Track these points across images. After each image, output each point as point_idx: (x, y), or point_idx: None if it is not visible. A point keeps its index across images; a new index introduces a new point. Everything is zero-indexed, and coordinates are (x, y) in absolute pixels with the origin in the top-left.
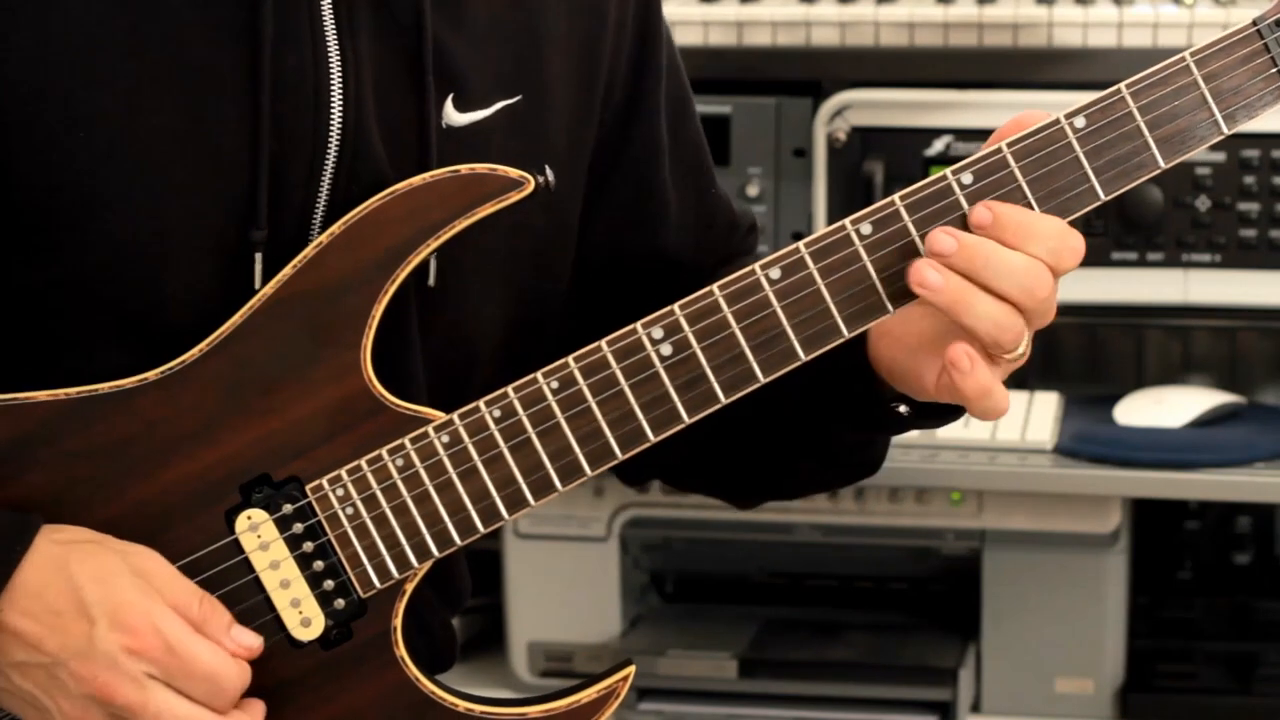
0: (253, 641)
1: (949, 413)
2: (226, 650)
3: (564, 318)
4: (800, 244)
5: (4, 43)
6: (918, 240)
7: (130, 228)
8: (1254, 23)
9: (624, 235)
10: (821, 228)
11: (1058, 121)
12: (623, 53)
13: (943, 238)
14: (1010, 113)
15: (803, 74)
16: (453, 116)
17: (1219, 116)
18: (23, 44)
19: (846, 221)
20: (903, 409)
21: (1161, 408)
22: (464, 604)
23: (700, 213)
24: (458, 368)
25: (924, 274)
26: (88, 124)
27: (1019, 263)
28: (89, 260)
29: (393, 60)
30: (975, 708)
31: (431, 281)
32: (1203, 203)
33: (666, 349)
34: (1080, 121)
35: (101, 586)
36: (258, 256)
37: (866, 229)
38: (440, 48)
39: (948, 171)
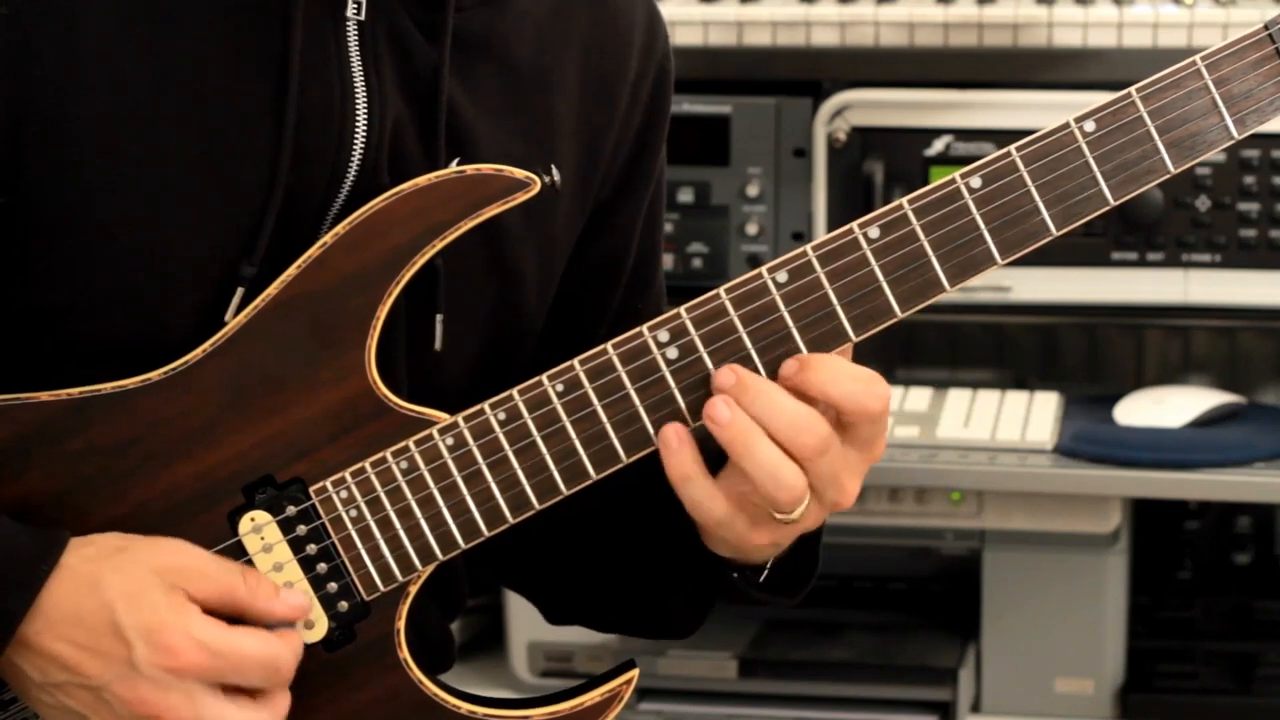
0: (301, 600)
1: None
2: (279, 615)
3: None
4: (808, 247)
5: (28, 66)
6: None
7: (136, 257)
8: (1265, 26)
9: (563, 314)
10: (822, 228)
11: (1067, 125)
12: (622, 150)
13: (724, 374)
14: (1010, 113)
15: (803, 74)
16: None
17: (1229, 121)
18: (47, 67)
19: (854, 225)
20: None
21: (1161, 408)
22: (462, 608)
23: (617, 320)
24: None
25: (715, 407)
26: (104, 150)
27: (790, 405)
28: (91, 287)
29: (407, 110)
30: (975, 708)
31: (438, 345)
32: (1203, 203)
33: (672, 352)
34: (1090, 125)
35: (134, 606)
36: (239, 290)
37: (874, 233)
38: (453, 108)
39: (956, 175)
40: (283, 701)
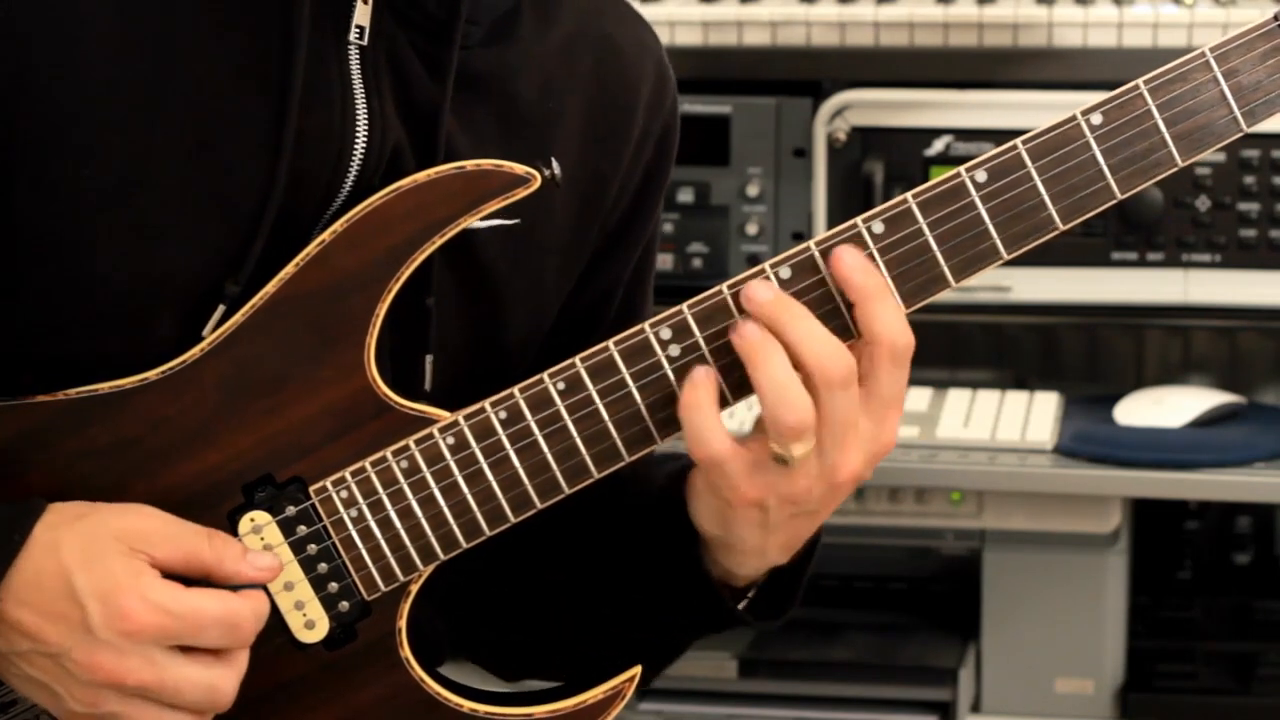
0: (271, 561)
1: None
2: (247, 577)
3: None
4: (811, 243)
5: (24, 78)
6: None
7: (123, 274)
8: (1275, 17)
9: (558, 338)
10: (822, 228)
11: (1074, 118)
12: (620, 205)
13: (761, 287)
14: (1010, 113)
15: (803, 74)
16: None
17: (1238, 113)
18: (43, 80)
19: (858, 220)
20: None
21: (1161, 408)
22: (462, 606)
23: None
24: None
25: (743, 322)
26: (99, 165)
27: (821, 331)
28: (80, 301)
29: (405, 141)
30: (975, 708)
31: (428, 386)
32: (1203, 203)
33: (674, 350)
34: (1097, 118)
35: (90, 570)
36: (220, 307)
37: (878, 228)
38: (448, 145)
39: (961, 169)
40: (243, 659)
